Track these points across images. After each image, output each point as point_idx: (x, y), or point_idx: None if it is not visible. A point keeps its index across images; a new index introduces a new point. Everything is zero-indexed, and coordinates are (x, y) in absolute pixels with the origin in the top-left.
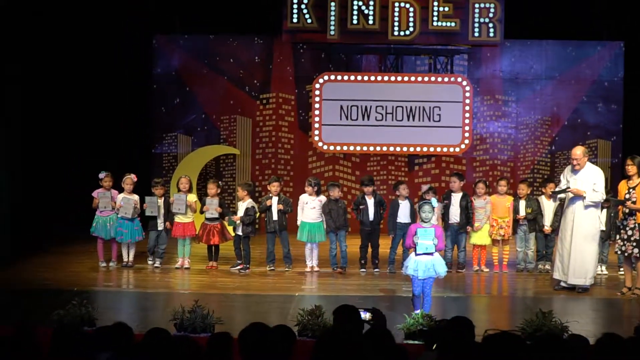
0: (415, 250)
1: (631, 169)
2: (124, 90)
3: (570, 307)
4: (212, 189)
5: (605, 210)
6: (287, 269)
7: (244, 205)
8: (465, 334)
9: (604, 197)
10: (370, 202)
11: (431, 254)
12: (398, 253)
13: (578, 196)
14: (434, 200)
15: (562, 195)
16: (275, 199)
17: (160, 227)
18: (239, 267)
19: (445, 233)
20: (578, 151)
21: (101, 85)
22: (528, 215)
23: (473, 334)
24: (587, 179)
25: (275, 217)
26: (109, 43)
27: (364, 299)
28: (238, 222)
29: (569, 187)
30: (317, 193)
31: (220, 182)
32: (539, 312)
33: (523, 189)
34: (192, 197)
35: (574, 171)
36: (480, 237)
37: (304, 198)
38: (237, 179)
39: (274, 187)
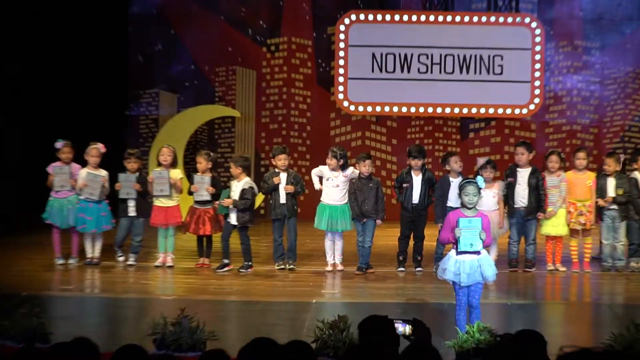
0: (456, 248)
1: None
2: (91, 35)
3: None
4: (202, 162)
5: None
6: (289, 267)
7: (239, 185)
8: (534, 352)
9: None
10: (416, 179)
11: (477, 252)
12: (447, 248)
13: None
14: (480, 180)
15: None
16: (283, 176)
17: (133, 212)
18: (226, 268)
19: (510, 220)
20: None
21: (63, 29)
22: (618, 198)
23: (545, 352)
24: None
25: (283, 199)
26: None
27: (402, 308)
28: (231, 206)
29: None
30: (343, 167)
31: (213, 154)
32: (632, 325)
33: (610, 164)
34: (177, 174)
35: None
36: (554, 225)
37: (325, 172)
38: (237, 150)
39: (281, 160)
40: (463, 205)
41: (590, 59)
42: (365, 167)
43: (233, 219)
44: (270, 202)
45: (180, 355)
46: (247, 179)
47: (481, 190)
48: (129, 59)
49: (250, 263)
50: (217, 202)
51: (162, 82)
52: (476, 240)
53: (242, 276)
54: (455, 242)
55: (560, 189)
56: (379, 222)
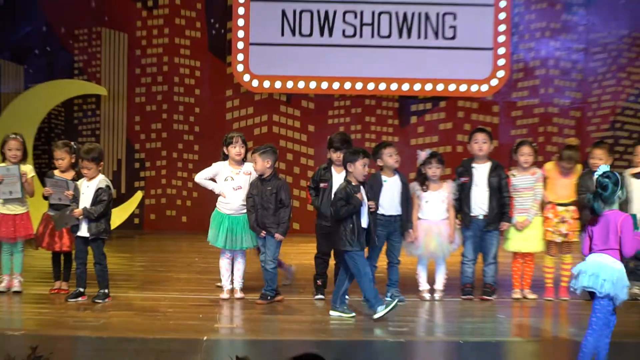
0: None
1: None
2: None
3: None
4: (62, 157)
5: None
6: None
7: (91, 186)
8: None
9: None
10: (338, 177)
11: None
12: (380, 268)
13: None
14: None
15: None
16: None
17: None
18: (79, 297)
19: (464, 233)
20: None
21: None
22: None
23: None
24: None
25: None
26: None
27: (321, 347)
28: (80, 217)
29: None
30: (244, 160)
31: (75, 145)
32: None
33: (600, 158)
34: (28, 170)
35: None
36: (525, 240)
37: (221, 169)
38: (104, 138)
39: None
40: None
41: (572, 20)
42: (267, 164)
43: (84, 230)
44: None
45: None
46: (102, 176)
47: (426, 195)
48: None
49: (106, 291)
50: (54, 213)
51: (4, 49)
52: None
53: (111, 305)
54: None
55: (535, 192)
56: (278, 236)
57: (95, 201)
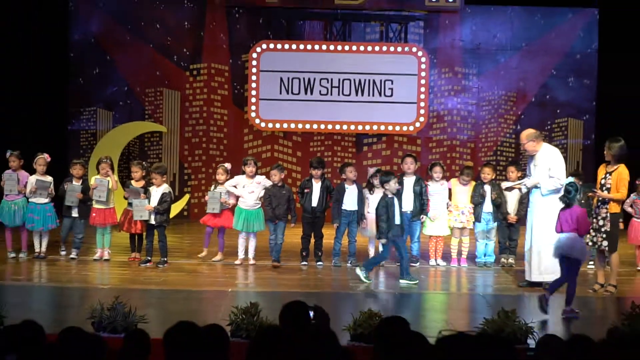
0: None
1: (606, 153)
2: (37, 59)
3: (536, 306)
4: (136, 172)
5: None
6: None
7: (158, 191)
8: (399, 330)
9: (561, 182)
10: (316, 186)
11: None
12: (343, 244)
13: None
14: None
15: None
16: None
17: (75, 213)
18: (148, 263)
19: None
20: (523, 135)
21: (11, 53)
22: (496, 200)
23: (409, 330)
24: (543, 163)
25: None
26: (20, 5)
27: (305, 296)
28: (152, 210)
29: (523, 179)
30: (256, 174)
31: (145, 164)
32: (501, 311)
33: (488, 173)
34: (113, 178)
35: (530, 157)
36: (437, 227)
37: (240, 180)
38: (165, 160)
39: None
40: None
41: (468, 84)
42: (276, 177)
43: (152, 219)
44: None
45: (116, 336)
46: (166, 185)
47: (372, 196)
48: (71, 81)
49: (165, 259)
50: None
51: (100, 102)
52: None
53: (169, 268)
54: None
55: (443, 196)
56: (291, 224)
57: (161, 201)
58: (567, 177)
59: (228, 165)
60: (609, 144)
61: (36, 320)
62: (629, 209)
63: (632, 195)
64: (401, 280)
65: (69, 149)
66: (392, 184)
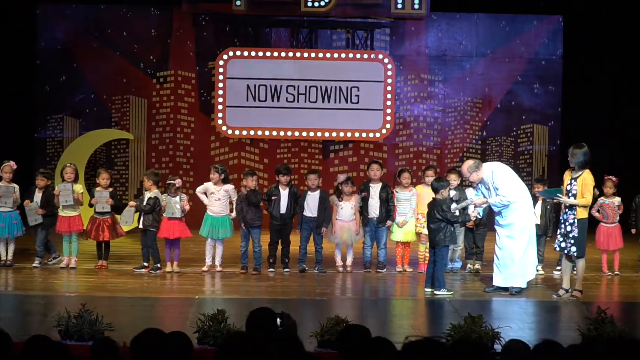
0: None
1: (570, 160)
2: (3, 66)
3: (503, 311)
4: (103, 179)
5: (540, 203)
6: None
7: (147, 195)
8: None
9: (507, 198)
10: (283, 193)
11: None
12: (310, 251)
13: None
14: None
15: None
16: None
17: (39, 220)
18: (143, 269)
19: (364, 228)
20: (463, 169)
21: None
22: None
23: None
24: (491, 185)
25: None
26: None
27: (272, 303)
28: (133, 208)
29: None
30: (224, 182)
31: (111, 171)
32: (468, 317)
33: (454, 179)
34: (79, 188)
35: (480, 184)
36: (404, 233)
37: (209, 187)
38: (131, 167)
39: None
40: None
41: (434, 90)
42: (250, 182)
43: (141, 223)
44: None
45: (82, 344)
46: (156, 190)
47: (341, 203)
48: (37, 88)
49: (158, 265)
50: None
51: (66, 109)
52: None
53: (135, 275)
54: None
55: (411, 202)
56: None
57: (145, 203)
58: (524, 182)
59: (178, 183)
60: (573, 150)
61: (2, 329)
62: (596, 214)
63: (599, 199)
64: (435, 291)
65: (36, 157)
66: (445, 193)
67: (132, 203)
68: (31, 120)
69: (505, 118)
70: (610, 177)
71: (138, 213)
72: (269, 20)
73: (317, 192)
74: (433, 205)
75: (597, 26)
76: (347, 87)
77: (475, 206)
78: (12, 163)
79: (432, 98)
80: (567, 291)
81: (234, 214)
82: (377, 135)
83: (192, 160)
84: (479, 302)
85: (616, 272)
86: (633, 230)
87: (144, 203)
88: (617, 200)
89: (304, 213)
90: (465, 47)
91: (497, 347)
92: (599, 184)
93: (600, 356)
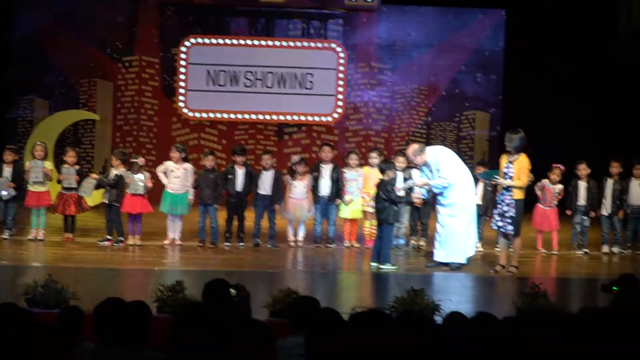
0: None
1: (507, 144)
2: None
3: (444, 285)
4: (70, 156)
5: (481, 185)
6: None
7: (114, 172)
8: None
9: (448, 181)
10: (239, 172)
11: None
12: (264, 226)
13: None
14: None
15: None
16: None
17: (5, 194)
18: (107, 242)
19: (315, 206)
20: (409, 152)
21: None
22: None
23: (319, 308)
24: (434, 168)
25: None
26: None
27: (227, 275)
28: (95, 181)
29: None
30: (184, 160)
31: (78, 149)
32: (410, 290)
33: (400, 162)
34: (49, 165)
35: (424, 167)
36: (352, 210)
37: (169, 166)
38: (97, 147)
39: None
40: None
41: (383, 78)
42: (208, 162)
43: (106, 199)
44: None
45: (48, 312)
46: (123, 169)
47: (295, 182)
48: (8, 70)
49: (121, 238)
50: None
51: (36, 91)
52: None
53: (99, 248)
54: None
55: (358, 182)
56: (216, 206)
57: (110, 178)
58: (466, 166)
59: (141, 161)
60: (510, 135)
61: None
62: (538, 192)
63: (543, 180)
64: (381, 266)
65: (7, 136)
66: (391, 174)
67: (93, 175)
68: (2, 101)
69: (449, 105)
70: (559, 165)
71: (100, 188)
72: (230, 10)
73: (271, 172)
74: (379, 186)
75: (538, 20)
76: (302, 74)
77: (419, 187)
78: None
79: (381, 85)
80: (503, 267)
81: (192, 193)
82: (329, 119)
83: (154, 141)
84: (421, 277)
85: (554, 252)
86: (568, 212)
87: (108, 178)
88: (558, 187)
89: (259, 191)
90: (413, 38)
91: (438, 318)
92: (546, 171)
93: (532, 328)
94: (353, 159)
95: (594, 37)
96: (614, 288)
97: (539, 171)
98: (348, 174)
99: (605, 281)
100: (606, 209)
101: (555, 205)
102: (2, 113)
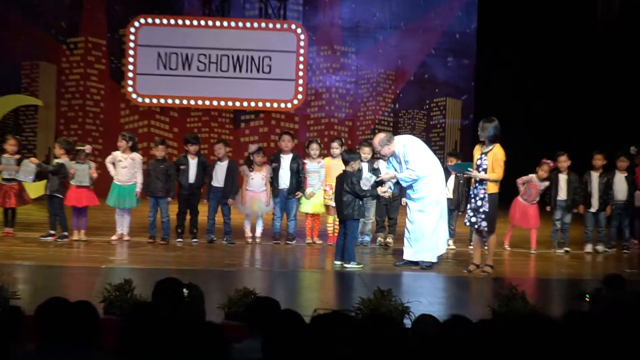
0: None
1: (480, 134)
2: None
3: (413, 285)
4: (10, 145)
5: (452, 177)
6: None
7: (56, 162)
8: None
9: (416, 173)
10: (192, 162)
11: None
12: (218, 221)
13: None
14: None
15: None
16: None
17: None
18: (50, 237)
19: (274, 199)
20: (375, 142)
21: None
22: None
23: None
24: (402, 159)
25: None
26: None
27: (180, 273)
28: (34, 167)
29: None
30: (132, 150)
31: (19, 137)
32: (377, 291)
33: (365, 152)
34: None
35: (391, 157)
36: (313, 205)
37: (117, 156)
38: (39, 134)
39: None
40: None
41: (347, 62)
42: (159, 151)
43: (47, 189)
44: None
45: None
46: (66, 159)
47: (252, 174)
48: None
49: (65, 233)
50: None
51: None
52: None
53: (42, 243)
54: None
55: (320, 174)
56: (168, 199)
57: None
58: (436, 156)
59: (88, 149)
60: (483, 124)
61: None
62: (520, 187)
63: (530, 175)
64: (345, 264)
65: None
66: (355, 165)
67: (33, 160)
68: None
69: (419, 91)
70: (548, 161)
71: (42, 178)
72: None
73: (226, 162)
74: (342, 178)
75: (512, 2)
76: (259, 57)
77: (384, 181)
78: None
79: (344, 69)
80: (477, 266)
81: (139, 185)
82: (289, 105)
83: (101, 128)
84: (389, 276)
85: (532, 250)
86: (548, 208)
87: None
88: (545, 184)
89: (212, 183)
90: (379, 19)
91: (407, 322)
92: (534, 166)
93: (510, 332)
94: (314, 148)
95: (573, 18)
96: (587, 296)
97: (515, 164)
98: (309, 165)
99: (589, 281)
100: (593, 204)
101: (536, 202)
102: None
